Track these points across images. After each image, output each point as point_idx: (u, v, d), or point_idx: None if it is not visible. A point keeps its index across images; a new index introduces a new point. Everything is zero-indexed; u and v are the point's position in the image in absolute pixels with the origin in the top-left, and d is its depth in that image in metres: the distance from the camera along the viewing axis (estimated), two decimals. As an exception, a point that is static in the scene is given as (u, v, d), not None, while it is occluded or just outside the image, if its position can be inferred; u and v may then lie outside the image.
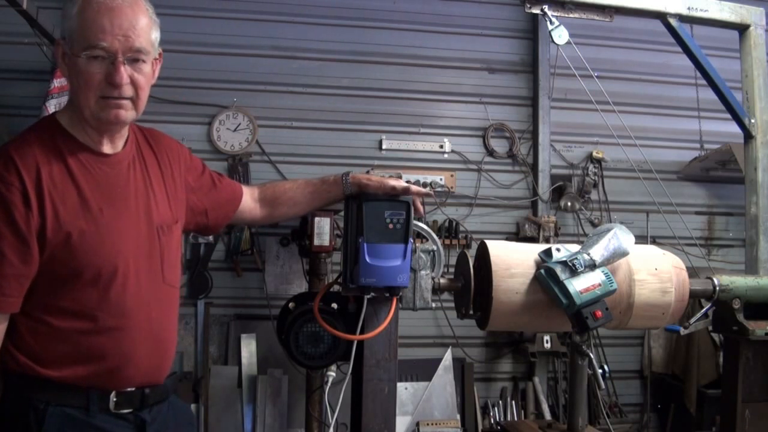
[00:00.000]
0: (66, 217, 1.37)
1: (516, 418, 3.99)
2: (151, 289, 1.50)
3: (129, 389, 1.47)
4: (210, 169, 1.80)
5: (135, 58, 1.41)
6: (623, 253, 1.89)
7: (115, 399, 1.44)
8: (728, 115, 2.66)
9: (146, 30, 1.43)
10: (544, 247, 1.90)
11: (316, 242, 3.41)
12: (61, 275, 1.38)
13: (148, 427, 1.49)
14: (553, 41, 2.43)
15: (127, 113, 1.44)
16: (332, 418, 2.06)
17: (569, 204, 4.21)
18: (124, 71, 1.39)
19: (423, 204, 1.85)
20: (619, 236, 1.89)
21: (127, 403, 1.46)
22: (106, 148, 1.48)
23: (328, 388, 2.67)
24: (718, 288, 2.21)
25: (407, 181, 4.10)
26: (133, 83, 1.42)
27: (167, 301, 1.57)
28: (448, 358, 4.05)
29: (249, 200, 1.85)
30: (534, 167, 4.34)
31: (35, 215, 1.34)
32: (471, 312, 1.96)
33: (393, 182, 1.77)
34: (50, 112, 3.26)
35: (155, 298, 1.51)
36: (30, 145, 1.39)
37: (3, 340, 1.37)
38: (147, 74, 1.46)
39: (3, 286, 1.33)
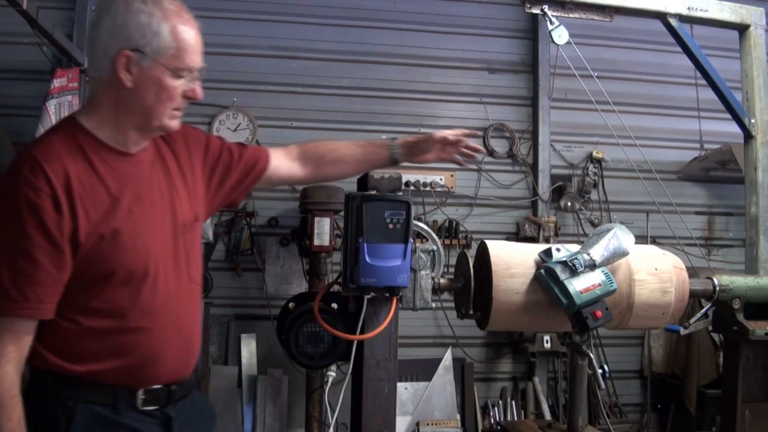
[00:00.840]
0: (98, 219, 1.37)
1: (516, 418, 3.99)
2: (179, 287, 1.51)
3: (156, 386, 1.47)
4: (230, 143, 1.76)
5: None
6: (623, 253, 1.89)
7: (142, 396, 1.44)
8: (728, 115, 2.66)
9: None
10: (544, 247, 1.90)
11: (316, 242, 3.41)
12: (93, 276, 1.38)
13: (173, 423, 1.49)
14: (553, 41, 2.44)
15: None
16: (332, 418, 2.06)
17: (569, 204, 4.21)
18: None
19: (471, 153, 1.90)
20: (619, 236, 1.89)
21: (154, 400, 1.47)
22: (133, 148, 1.48)
23: (328, 388, 2.67)
24: (718, 288, 2.21)
25: (407, 182, 4.11)
26: None
27: (193, 298, 1.58)
28: (448, 358, 4.05)
29: (283, 160, 1.81)
30: (534, 167, 4.34)
31: (67, 220, 1.33)
32: (471, 312, 1.97)
33: (438, 134, 1.88)
34: (50, 112, 3.26)
35: (182, 296, 1.52)
36: (54, 147, 1.38)
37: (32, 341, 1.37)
38: None
39: (39, 293, 1.32)
